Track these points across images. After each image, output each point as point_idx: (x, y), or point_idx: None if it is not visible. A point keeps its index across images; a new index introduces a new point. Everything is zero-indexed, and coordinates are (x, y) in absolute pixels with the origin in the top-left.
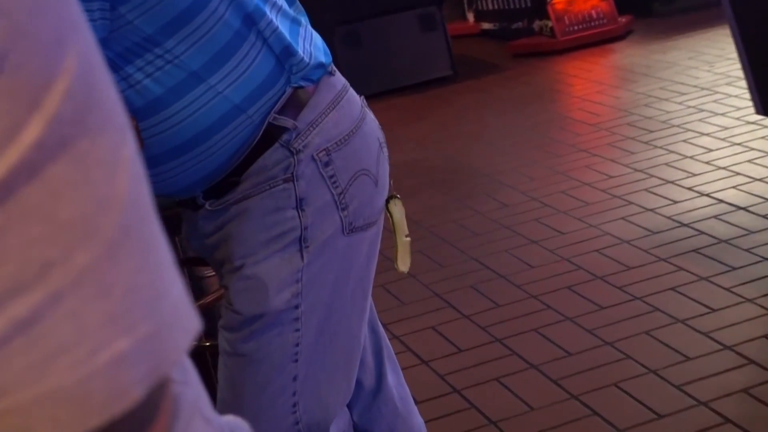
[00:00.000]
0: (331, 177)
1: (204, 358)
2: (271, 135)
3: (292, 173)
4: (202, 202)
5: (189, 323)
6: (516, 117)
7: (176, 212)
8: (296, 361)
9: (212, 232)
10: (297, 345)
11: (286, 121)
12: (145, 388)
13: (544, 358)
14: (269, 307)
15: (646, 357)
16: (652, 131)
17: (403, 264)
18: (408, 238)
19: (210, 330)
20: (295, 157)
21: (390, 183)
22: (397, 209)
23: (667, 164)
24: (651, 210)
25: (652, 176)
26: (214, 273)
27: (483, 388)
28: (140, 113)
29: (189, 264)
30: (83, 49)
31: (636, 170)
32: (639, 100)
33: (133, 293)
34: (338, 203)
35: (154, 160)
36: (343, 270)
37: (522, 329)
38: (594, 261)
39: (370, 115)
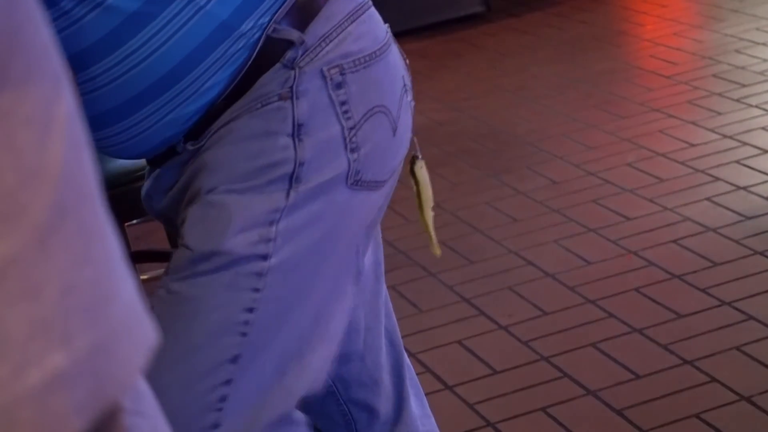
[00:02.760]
0: (342, 103)
1: None
2: (270, 52)
3: (291, 87)
4: (182, 148)
5: (143, 334)
6: (568, 67)
7: (124, 191)
8: (244, 334)
9: (183, 171)
10: (250, 311)
11: (290, 32)
12: (87, 418)
13: (605, 381)
14: (225, 244)
15: (738, 380)
16: (745, 85)
17: (436, 245)
18: (433, 212)
19: None
20: (296, 69)
21: (413, 140)
22: (424, 173)
23: (764, 128)
24: (744, 188)
25: (745, 144)
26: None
27: (526, 421)
28: (99, 49)
29: (142, 259)
30: None
31: (725, 136)
32: (728, 44)
33: (70, 294)
34: (347, 140)
35: (120, 110)
36: (334, 232)
37: (576, 344)
38: (670, 255)
39: (396, 47)
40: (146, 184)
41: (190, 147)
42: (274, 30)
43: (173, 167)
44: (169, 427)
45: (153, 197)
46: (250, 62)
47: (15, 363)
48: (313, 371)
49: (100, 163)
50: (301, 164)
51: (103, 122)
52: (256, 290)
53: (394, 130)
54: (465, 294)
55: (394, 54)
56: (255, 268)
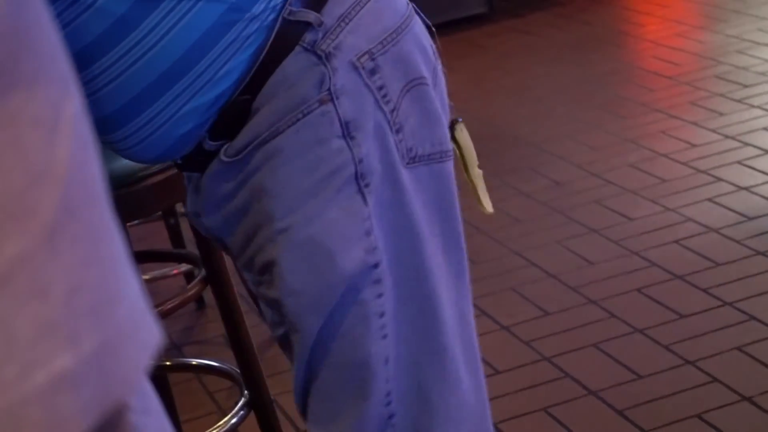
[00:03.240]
0: (380, 89)
1: (164, 380)
2: (288, 37)
3: (329, 90)
4: (211, 146)
5: (148, 335)
6: (571, 67)
7: (127, 192)
8: (385, 337)
9: (233, 192)
10: (382, 316)
11: (307, 14)
12: (94, 418)
13: (606, 382)
14: (338, 275)
15: (739, 381)
16: (747, 86)
17: (488, 203)
18: (481, 170)
19: (174, 344)
20: (327, 65)
21: (451, 104)
22: (465, 135)
23: (766, 129)
24: (746, 189)
25: (747, 144)
26: (177, 270)
27: (528, 421)
28: (96, 48)
29: (144, 259)
30: None
31: (727, 137)
32: (730, 45)
33: (77, 295)
34: (391, 123)
35: (131, 107)
36: (417, 215)
37: (578, 344)
38: (672, 255)
39: (419, 18)
40: (189, 200)
41: (225, 157)
42: (290, 12)
43: (217, 182)
44: (172, 427)
45: (201, 215)
46: (267, 46)
47: (22, 363)
48: (464, 329)
49: (103, 164)
50: (360, 161)
51: (114, 124)
52: (380, 296)
53: (434, 98)
54: None
55: (419, 23)
56: (373, 278)
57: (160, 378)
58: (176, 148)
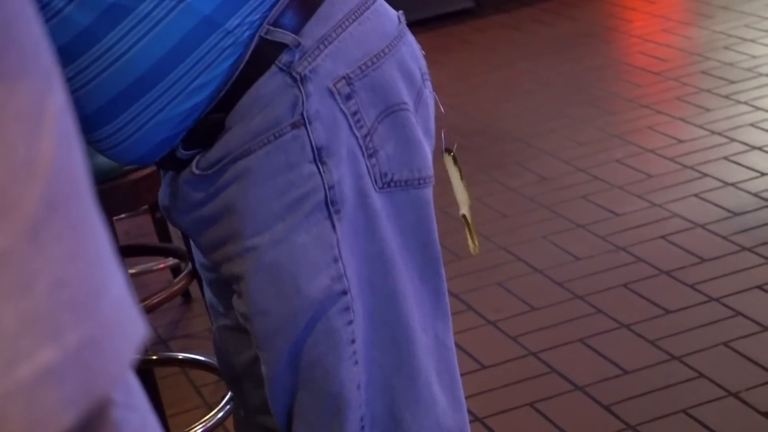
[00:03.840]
0: (354, 114)
1: (150, 374)
2: (264, 55)
3: (302, 114)
4: (183, 155)
5: (133, 329)
6: (558, 63)
7: (113, 186)
8: (357, 363)
9: (204, 201)
10: (353, 342)
11: (284, 35)
12: (78, 412)
13: (593, 377)
14: (305, 299)
15: (725, 376)
16: (733, 82)
17: (474, 244)
18: (468, 212)
19: (160, 338)
20: (302, 88)
21: (443, 133)
22: (451, 169)
23: (753, 125)
24: (732, 185)
25: (733, 140)
26: (163, 264)
27: (515, 416)
28: (78, 44)
29: (130, 253)
30: None
31: (713, 133)
32: (717, 41)
33: (60, 289)
34: (363, 148)
35: (108, 108)
36: (389, 240)
37: (565, 339)
38: (659, 251)
39: (411, 37)
40: (162, 193)
41: (197, 170)
42: (267, 31)
43: (188, 190)
44: (157, 421)
45: (171, 211)
46: (242, 64)
47: (5, 357)
48: (440, 352)
49: (88, 157)
50: (331, 187)
51: (94, 123)
52: (350, 323)
53: (415, 125)
54: (453, 289)
55: (409, 44)
56: (342, 305)
57: (146, 372)
58: (151, 153)
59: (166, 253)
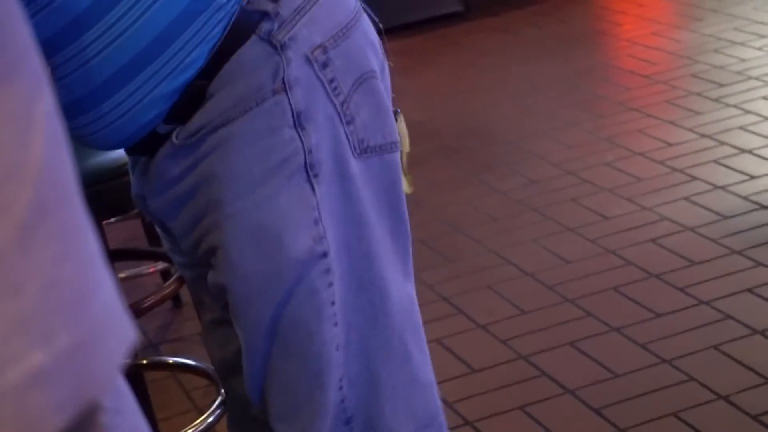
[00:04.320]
0: (331, 81)
1: (140, 378)
2: (245, 25)
3: (283, 80)
4: (163, 129)
5: (123, 332)
6: (547, 66)
7: (102, 189)
8: (336, 324)
9: (182, 176)
10: (333, 304)
11: (265, 4)
12: (67, 416)
13: (583, 380)
14: (289, 259)
15: (715, 380)
16: (723, 85)
17: (408, 185)
18: (407, 159)
19: (150, 342)
20: (282, 55)
21: (392, 96)
22: (402, 125)
23: (742, 128)
24: (722, 188)
25: (723, 143)
26: (153, 269)
27: (505, 419)
28: (71, 30)
29: (120, 257)
30: None
31: (703, 136)
32: (706, 44)
33: (50, 292)
34: (341, 114)
35: (99, 93)
36: (365, 204)
37: (555, 343)
38: (648, 254)
39: (365, 15)
40: (135, 182)
41: (177, 140)
42: (248, 2)
43: (166, 165)
44: (147, 426)
45: (146, 198)
46: (224, 33)
47: None
48: (411, 309)
49: (77, 161)
50: (310, 151)
51: (80, 108)
52: (330, 285)
53: (383, 91)
54: (444, 293)
55: (366, 19)
56: (323, 267)
57: (136, 376)
58: (137, 134)
59: (156, 257)
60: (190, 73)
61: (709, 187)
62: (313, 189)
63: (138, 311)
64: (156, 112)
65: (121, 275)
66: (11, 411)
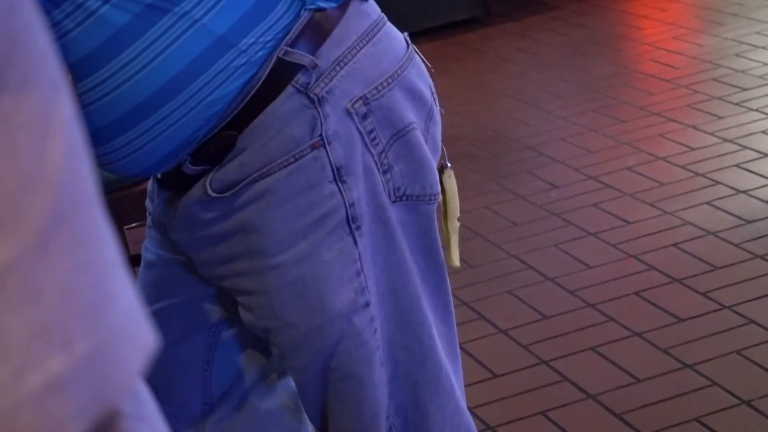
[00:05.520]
0: (370, 132)
1: None
2: (281, 75)
3: (321, 135)
4: (191, 170)
5: (143, 338)
6: (568, 71)
7: (124, 195)
8: (382, 365)
9: (214, 221)
10: (379, 348)
11: (302, 57)
12: (87, 423)
13: (604, 385)
14: (331, 313)
15: (738, 385)
16: (745, 89)
17: (457, 256)
18: (459, 223)
19: None
20: (320, 109)
21: (443, 148)
22: (452, 182)
23: (764, 132)
24: (744, 192)
25: (745, 148)
26: None
27: (526, 424)
28: (91, 62)
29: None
30: None
31: (725, 140)
32: (728, 48)
33: (69, 298)
34: (378, 165)
35: (119, 124)
36: (405, 248)
37: (576, 348)
38: (670, 259)
39: (419, 59)
40: (158, 209)
41: (212, 193)
42: (286, 53)
43: (196, 210)
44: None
45: (168, 228)
46: (259, 83)
47: (15, 367)
48: (452, 344)
49: (97, 168)
50: (351, 204)
51: (102, 137)
52: (376, 332)
53: (426, 142)
54: (465, 298)
55: (418, 65)
56: (367, 317)
57: None
58: (157, 166)
59: None
60: (211, 110)
61: (732, 191)
62: (355, 241)
63: None
64: (177, 146)
65: None
66: (31, 418)
